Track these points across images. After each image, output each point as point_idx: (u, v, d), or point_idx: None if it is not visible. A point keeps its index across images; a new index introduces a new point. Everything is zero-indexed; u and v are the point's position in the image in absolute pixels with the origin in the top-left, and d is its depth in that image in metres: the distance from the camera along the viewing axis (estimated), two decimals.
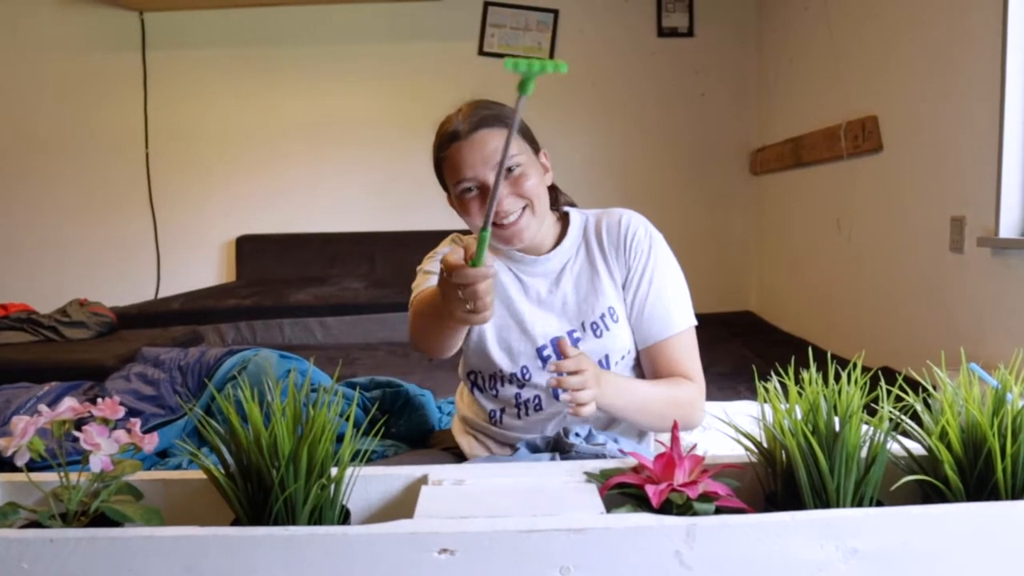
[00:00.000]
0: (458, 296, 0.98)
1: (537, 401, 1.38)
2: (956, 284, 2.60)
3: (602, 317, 1.36)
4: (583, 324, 1.37)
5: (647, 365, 1.38)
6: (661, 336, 1.36)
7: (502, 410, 1.41)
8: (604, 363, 1.37)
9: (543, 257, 1.40)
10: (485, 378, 1.43)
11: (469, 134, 1.28)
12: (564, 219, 1.44)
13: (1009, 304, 2.33)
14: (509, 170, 1.28)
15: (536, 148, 1.37)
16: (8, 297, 3.79)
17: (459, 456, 1.47)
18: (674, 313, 1.36)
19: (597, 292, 1.37)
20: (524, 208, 1.31)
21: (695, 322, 1.39)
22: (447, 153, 1.31)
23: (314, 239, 4.70)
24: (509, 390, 1.40)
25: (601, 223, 1.41)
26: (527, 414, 1.39)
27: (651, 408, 1.29)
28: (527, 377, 1.38)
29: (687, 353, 1.36)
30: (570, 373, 1.12)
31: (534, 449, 1.32)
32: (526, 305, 1.39)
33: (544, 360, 1.37)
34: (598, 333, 1.36)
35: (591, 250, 1.40)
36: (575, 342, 1.37)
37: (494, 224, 1.30)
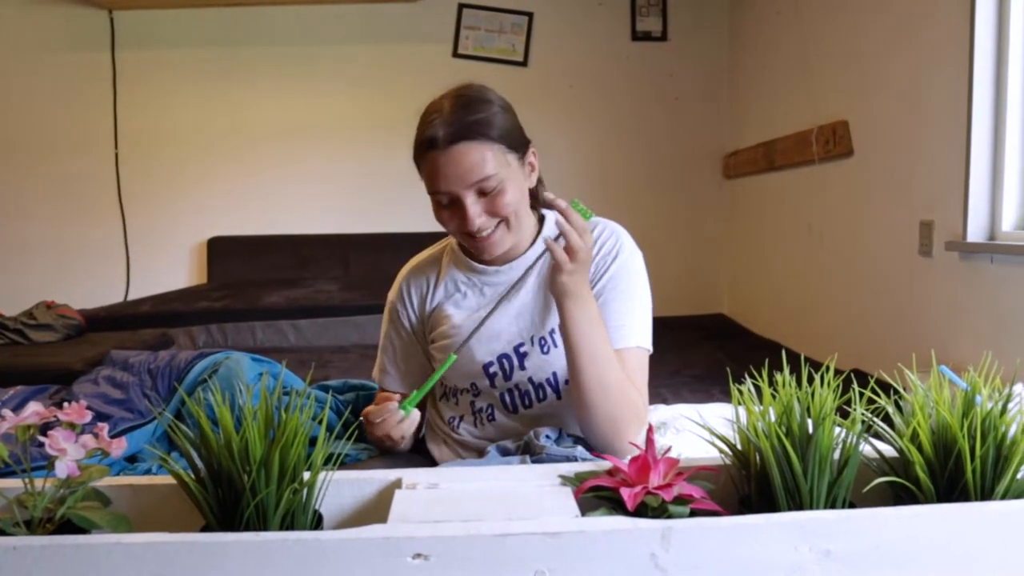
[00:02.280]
0: (376, 435, 1.27)
1: (491, 412, 1.38)
2: (925, 288, 2.63)
3: (552, 333, 1.33)
4: (532, 338, 1.34)
5: None
6: None
7: (461, 417, 1.41)
8: (552, 381, 1.34)
9: (505, 267, 1.37)
10: (446, 386, 1.43)
11: (447, 146, 1.22)
12: (542, 220, 1.42)
13: (976, 307, 2.37)
14: (484, 192, 1.25)
15: (523, 149, 1.32)
16: None
17: (432, 460, 1.47)
18: (624, 328, 1.30)
19: (551, 306, 1.32)
20: (499, 224, 1.28)
21: (648, 347, 1.34)
22: (424, 160, 1.27)
23: (287, 241, 4.67)
24: (466, 398, 1.40)
25: None
26: (482, 424, 1.38)
27: (604, 367, 1.22)
28: (477, 391, 1.38)
29: (631, 372, 1.28)
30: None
31: (504, 452, 1.31)
32: (480, 319, 1.36)
33: (490, 378, 1.35)
34: (545, 349, 1.34)
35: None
36: (521, 356, 1.34)
37: (467, 235, 1.29)
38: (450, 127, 1.23)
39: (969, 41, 2.35)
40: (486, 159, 1.24)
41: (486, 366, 1.35)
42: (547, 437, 1.27)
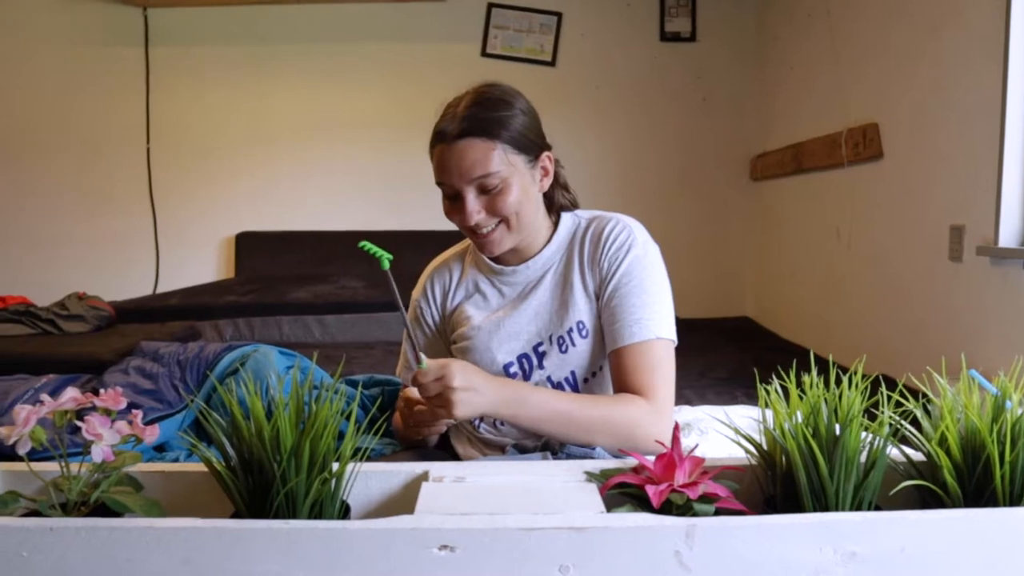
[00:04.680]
0: (411, 424, 1.24)
1: None
2: (955, 293, 2.60)
3: (570, 332, 1.33)
4: (550, 337, 1.35)
5: (610, 374, 1.33)
6: (619, 342, 1.27)
7: (481, 417, 1.40)
8: (571, 379, 1.34)
9: (521, 266, 1.38)
10: None
11: (454, 140, 1.24)
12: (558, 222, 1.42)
13: (1007, 313, 2.34)
14: (486, 190, 1.26)
15: (537, 152, 1.32)
16: (7, 289, 3.79)
17: (455, 457, 1.47)
18: (642, 321, 1.27)
19: (568, 305, 1.34)
20: (499, 223, 1.29)
21: (670, 337, 1.29)
22: (434, 151, 1.29)
23: (314, 237, 4.70)
24: None
25: (588, 230, 1.37)
26: (502, 423, 1.38)
27: (576, 422, 1.20)
28: None
29: (648, 366, 1.26)
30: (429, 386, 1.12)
31: (523, 451, 1.32)
32: (501, 319, 1.37)
33: (511, 378, 1.35)
34: (563, 348, 1.34)
35: (571, 259, 1.37)
36: (540, 356, 1.35)
37: (468, 229, 1.31)
38: (460, 122, 1.25)
39: (1004, 39, 2.31)
40: (489, 157, 1.25)
41: (506, 366, 1.36)
42: None
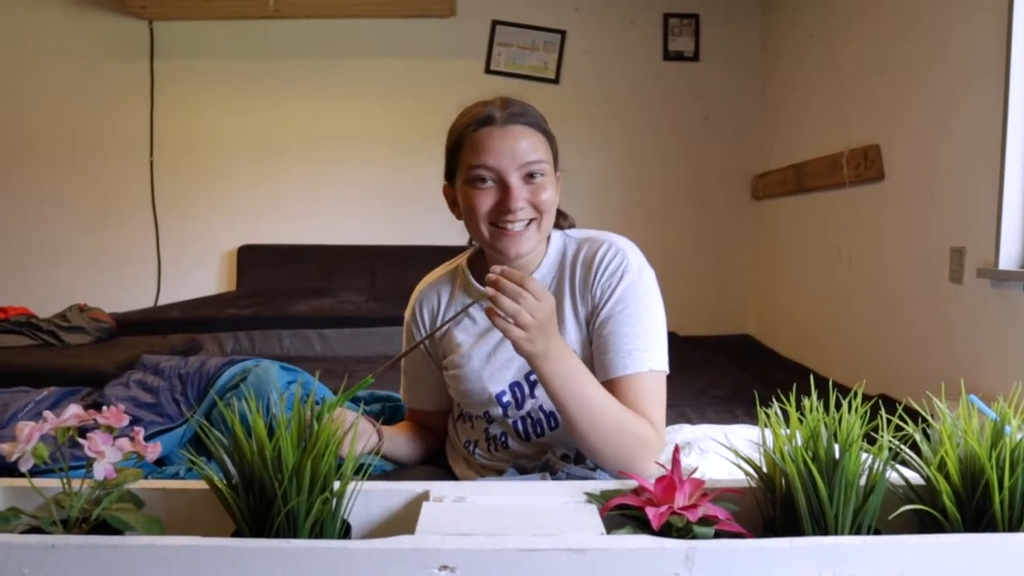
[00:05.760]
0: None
1: (504, 439, 1.36)
2: (955, 315, 2.61)
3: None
4: None
5: None
6: (612, 373, 1.23)
7: (475, 442, 1.40)
8: None
9: None
10: (462, 409, 1.42)
11: (505, 123, 1.23)
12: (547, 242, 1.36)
13: (1008, 336, 2.34)
14: (531, 176, 1.24)
15: (557, 166, 1.32)
16: (8, 300, 3.79)
17: (453, 478, 1.47)
18: (635, 352, 1.23)
19: (559, 330, 1.28)
20: (532, 220, 1.25)
21: (662, 368, 1.26)
22: (475, 134, 1.24)
23: (315, 251, 4.71)
24: (480, 423, 1.39)
25: (580, 253, 1.33)
26: (496, 450, 1.37)
27: (596, 414, 1.15)
28: (490, 419, 1.37)
29: (644, 396, 1.22)
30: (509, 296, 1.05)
31: (523, 471, 1.30)
32: (492, 346, 1.34)
33: (503, 407, 1.33)
34: None
35: (563, 283, 1.32)
36: (532, 384, 1.32)
37: (495, 226, 1.25)
38: (510, 110, 1.25)
39: (1005, 61, 2.33)
40: (538, 146, 1.25)
41: (498, 396, 1.33)
42: (565, 456, 1.27)
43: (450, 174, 1.32)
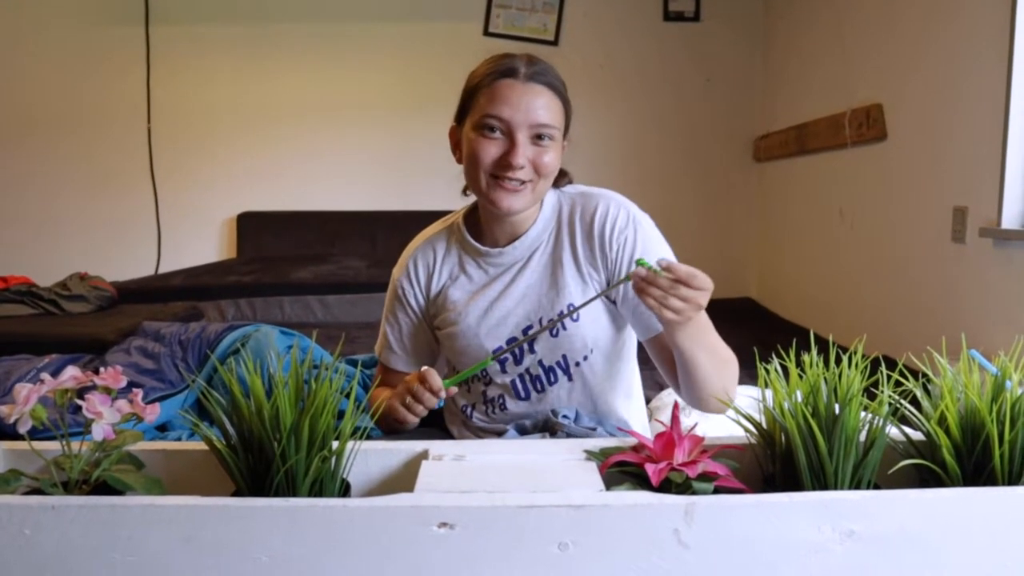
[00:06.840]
0: (405, 401, 1.22)
1: (502, 400, 1.36)
2: (957, 274, 2.60)
3: (561, 313, 1.29)
4: (540, 320, 1.31)
5: (657, 356, 1.32)
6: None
7: (473, 406, 1.39)
8: (562, 363, 1.32)
9: (508, 247, 1.33)
10: (458, 372, 1.40)
11: (528, 79, 1.23)
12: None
13: (1010, 295, 2.34)
14: (539, 137, 1.23)
15: (567, 131, 1.31)
16: (8, 269, 3.78)
17: (451, 438, 1.46)
18: None
19: (559, 287, 1.30)
20: (529, 181, 1.25)
21: None
22: (494, 84, 1.24)
23: (315, 217, 4.69)
24: (477, 387, 1.38)
25: (575, 210, 1.34)
26: (494, 412, 1.36)
27: (719, 354, 1.25)
28: (488, 379, 1.36)
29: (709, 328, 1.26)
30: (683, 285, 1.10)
31: (522, 431, 1.30)
32: (488, 302, 1.34)
33: (501, 363, 1.33)
34: (554, 332, 1.30)
35: (560, 239, 1.33)
36: (531, 341, 1.32)
37: (494, 177, 1.25)
38: (535, 68, 1.25)
39: (1010, 21, 2.29)
40: (553, 109, 1.25)
41: (495, 351, 1.32)
42: (565, 417, 1.27)
43: (460, 116, 1.32)
